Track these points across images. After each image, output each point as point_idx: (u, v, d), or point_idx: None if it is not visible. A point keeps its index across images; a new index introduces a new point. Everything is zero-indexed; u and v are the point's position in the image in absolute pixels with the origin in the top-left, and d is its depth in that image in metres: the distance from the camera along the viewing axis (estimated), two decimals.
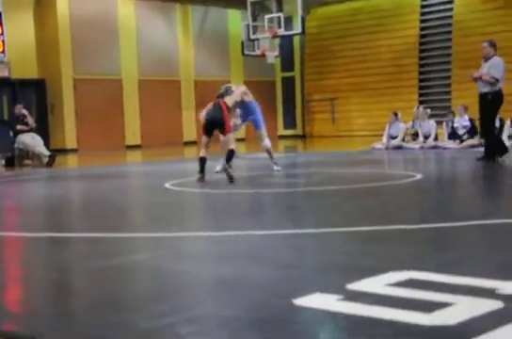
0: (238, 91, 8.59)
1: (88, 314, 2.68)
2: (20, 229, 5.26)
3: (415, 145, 13.57)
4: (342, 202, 5.94)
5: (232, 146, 8.02)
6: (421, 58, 20.63)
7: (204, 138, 8.09)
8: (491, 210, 5.20)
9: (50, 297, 3.03)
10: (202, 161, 7.90)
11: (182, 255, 3.75)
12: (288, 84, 23.69)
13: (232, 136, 8.26)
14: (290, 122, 23.87)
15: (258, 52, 19.44)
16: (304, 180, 7.98)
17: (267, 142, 9.06)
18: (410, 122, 14.18)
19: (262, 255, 3.65)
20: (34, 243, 4.51)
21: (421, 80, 20.64)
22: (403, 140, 13.91)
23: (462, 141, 13.13)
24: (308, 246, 3.92)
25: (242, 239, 4.20)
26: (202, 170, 7.83)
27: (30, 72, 18.44)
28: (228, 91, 8.41)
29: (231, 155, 7.95)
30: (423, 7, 20.88)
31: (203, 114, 8.06)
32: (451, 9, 20.11)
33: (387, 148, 13.70)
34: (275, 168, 9.02)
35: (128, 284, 3.14)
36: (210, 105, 8.15)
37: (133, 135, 20.08)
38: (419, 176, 7.71)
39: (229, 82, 22.41)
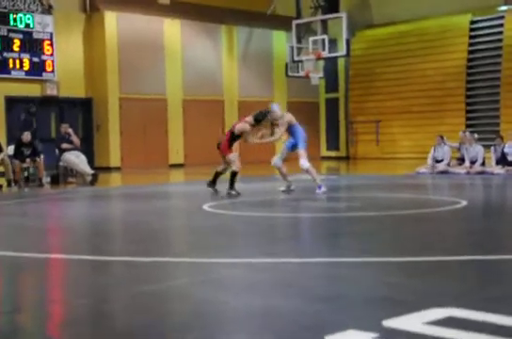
0: (281, 121, 8.79)
1: None
2: (59, 250, 5.27)
3: (461, 170, 13.27)
4: (382, 230, 5.79)
5: (234, 168, 9.01)
6: (468, 82, 20.32)
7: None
8: None
9: (83, 323, 2.99)
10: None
11: (216, 283, 3.68)
12: (332, 105, 23.60)
13: (232, 156, 9.19)
14: (333, 144, 23.73)
15: (302, 73, 19.43)
16: (345, 204, 7.86)
17: (303, 162, 8.98)
18: (457, 144, 13.89)
19: (297, 285, 3.56)
20: (72, 266, 4.50)
21: (468, 104, 20.31)
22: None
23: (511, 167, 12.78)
24: (345, 276, 3.81)
25: (278, 267, 4.11)
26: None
27: (78, 91, 18.80)
28: (265, 118, 8.99)
29: (232, 177, 8.96)
30: (471, 30, 20.62)
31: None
32: (501, 33, 19.80)
33: (432, 172, 13.45)
34: (317, 191, 8.91)
35: (159, 312, 3.07)
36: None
37: (176, 153, 20.23)
38: (464, 203, 7.50)
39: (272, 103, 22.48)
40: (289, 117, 9.15)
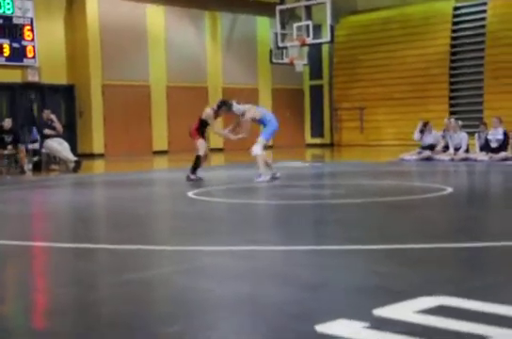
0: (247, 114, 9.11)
1: (100, 333, 2.56)
2: (42, 238, 5.19)
3: (445, 157, 13.30)
4: (368, 217, 5.76)
5: (199, 152, 9.39)
6: (452, 68, 20.34)
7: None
8: None
9: (66, 312, 2.92)
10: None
11: (201, 271, 3.62)
12: (316, 92, 23.54)
13: (199, 142, 9.60)
14: (318, 131, 23.69)
15: (286, 60, 19.32)
16: (330, 192, 7.82)
17: (255, 148, 9.03)
18: (441, 133, 13.91)
19: (284, 273, 3.51)
20: (55, 254, 4.43)
21: (451, 90, 20.34)
22: (467, 151, 13.40)
23: (495, 154, 12.82)
24: (332, 264, 3.76)
25: (264, 255, 4.06)
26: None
27: (60, 77, 18.56)
28: (222, 108, 9.33)
29: (195, 161, 9.36)
30: (454, 16, 20.62)
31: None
32: (483, 19, 19.81)
33: (419, 152, 13.46)
34: (256, 179, 8.96)
35: (143, 302, 3.01)
36: None
37: (160, 140, 20.09)
38: (449, 190, 7.49)
39: (256, 90, 22.39)
40: (251, 114, 9.19)
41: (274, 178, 9.15)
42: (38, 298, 3.20)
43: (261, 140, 9.12)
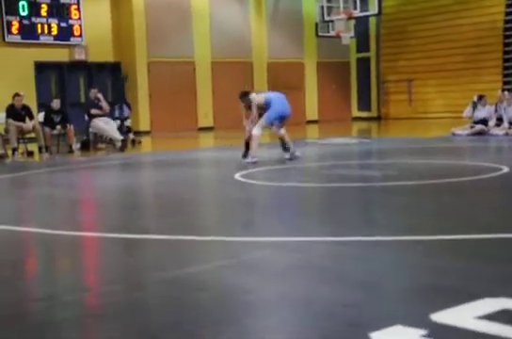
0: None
1: None
2: (89, 228, 5.18)
3: (499, 131, 12.86)
4: (421, 202, 5.56)
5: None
6: (506, 37, 19.59)
7: None
8: None
9: (113, 316, 2.86)
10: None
11: (250, 267, 3.52)
12: (363, 65, 23.06)
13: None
14: (365, 104, 23.27)
15: (332, 33, 18.94)
16: (379, 173, 7.61)
17: (255, 129, 9.07)
18: (493, 106, 13.46)
19: (335, 270, 3.38)
20: (101, 245, 4.40)
21: (505, 60, 19.63)
22: (486, 125, 13.13)
23: None
24: (384, 258, 3.61)
25: (314, 247, 3.93)
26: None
27: (106, 55, 18.61)
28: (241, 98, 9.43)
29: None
30: None
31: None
32: None
33: (472, 126, 13.08)
34: (245, 159, 9.00)
35: (189, 304, 2.91)
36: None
37: (205, 117, 20.04)
38: (506, 169, 7.21)
39: (302, 64, 22.06)
40: (258, 99, 9.23)
41: (293, 158, 8.99)
42: (85, 297, 3.15)
43: (260, 122, 9.13)
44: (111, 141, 13.22)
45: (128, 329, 2.63)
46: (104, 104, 13.52)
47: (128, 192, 7.06)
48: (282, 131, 9.22)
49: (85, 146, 13.38)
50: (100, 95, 13.66)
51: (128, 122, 14.59)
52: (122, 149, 12.77)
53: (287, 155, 9.21)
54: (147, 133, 18.71)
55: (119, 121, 14.04)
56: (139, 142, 14.52)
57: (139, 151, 13.74)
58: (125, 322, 2.71)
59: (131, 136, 14.28)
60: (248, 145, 9.27)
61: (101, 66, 18.58)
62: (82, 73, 18.54)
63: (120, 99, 14.93)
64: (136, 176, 8.86)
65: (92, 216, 5.85)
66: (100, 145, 13.64)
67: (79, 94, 18.56)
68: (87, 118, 13.56)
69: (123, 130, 13.91)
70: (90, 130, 13.46)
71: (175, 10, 19.13)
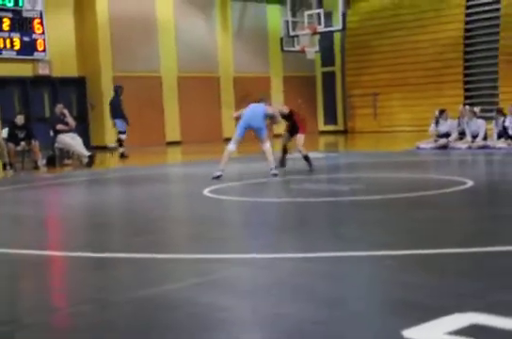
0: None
1: None
2: (56, 247, 5.11)
3: (462, 145, 13.09)
4: (387, 217, 5.62)
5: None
6: (466, 53, 20.02)
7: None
8: None
9: (77, 332, 2.83)
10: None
11: (221, 284, 3.51)
12: (328, 79, 23.31)
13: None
14: (331, 118, 23.49)
15: (298, 48, 19.13)
16: (348, 187, 7.69)
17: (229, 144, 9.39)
18: (456, 121, 13.70)
19: (305, 287, 3.39)
20: (69, 264, 4.35)
21: (466, 75, 20.04)
22: (485, 139, 13.16)
23: None
24: (355, 274, 3.65)
25: (284, 264, 3.94)
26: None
27: (70, 70, 18.49)
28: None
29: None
30: (468, 0, 20.23)
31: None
32: (498, 2, 19.44)
33: (436, 140, 13.29)
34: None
35: (158, 324, 2.88)
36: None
37: (173, 131, 20.00)
38: (470, 183, 7.33)
39: (268, 78, 22.19)
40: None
41: (273, 174, 8.96)
42: (53, 317, 3.11)
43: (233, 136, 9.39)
44: (78, 157, 13.11)
45: None
46: (70, 120, 13.42)
47: (95, 210, 6.99)
48: (265, 146, 9.18)
49: (51, 162, 13.22)
50: (65, 110, 13.55)
51: (123, 137, 15.04)
52: (89, 165, 12.66)
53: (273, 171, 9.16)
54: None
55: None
56: (127, 156, 14.90)
57: (106, 166, 13.63)
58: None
59: (121, 149, 14.89)
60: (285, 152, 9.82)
61: (65, 81, 18.43)
62: (46, 88, 18.38)
63: (117, 113, 15.06)
64: (103, 193, 8.79)
65: (59, 234, 5.77)
66: (66, 161, 13.51)
67: (44, 109, 18.37)
68: (52, 133, 13.42)
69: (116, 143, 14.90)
70: (56, 145, 13.32)
71: (140, 25, 19.11)
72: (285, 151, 10.03)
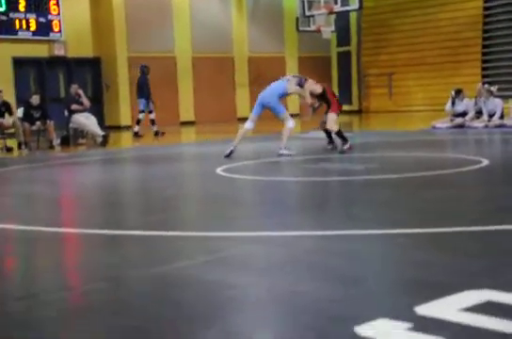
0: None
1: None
2: (70, 224, 5.13)
3: (479, 124, 12.94)
4: (403, 196, 5.58)
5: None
6: (484, 31, 19.71)
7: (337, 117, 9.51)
8: None
9: (95, 314, 2.83)
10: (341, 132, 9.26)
11: (233, 262, 3.50)
12: (344, 59, 23.09)
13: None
14: (346, 98, 23.29)
15: (313, 28, 18.92)
16: (363, 166, 7.63)
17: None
18: (473, 100, 13.54)
19: (320, 264, 3.37)
20: (83, 242, 4.36)
21: (484, 54, 19.75)
22: (502, 117, 13.00)
23: None
24: (369, 252, 3.62)
25: (299, 242, 3.93)
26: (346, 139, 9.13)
27: (85, 50, 18.47)
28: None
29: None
30: None
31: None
32: None
33: (452, 119, 13.14)
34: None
35: (172, 302, 2.87)
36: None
37: (187, 111, 19.97)
38: (485, 162, 7.25)
39: (283, 58, 22.03)
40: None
41: (279, 154, 8.91)
42: (66, 295, 3.12)
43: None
44: (92, 136, 13.14)
45: (112, 327, 2.60)
46: (85, 100, 13.43)
47: (109, 188, 7.00)
48: (285, 126, 9.05)
49: (65, 142, 13.27)
50: (80, 91, 13.56)
51: (153, 116, 15.27)
52: (103, 144, 12.68)
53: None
54: (128, 128, 18.60)
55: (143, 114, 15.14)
56: (163, 133, 15.15)
57: (120, 146, 13.65)
58: (109, 320, 2.68)
59: (154, 128, 15.16)
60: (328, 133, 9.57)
61: (80, 61, 18.43)
62: (61, 69, 18.39)
63: (142, 93, 15.29)
64: (117, 172, 8.80)
65: (73, 212, 5.79)
66: (81, 140, 13.54)
67: (59, 90, 18.41)
68: (67, 113, 13.45)
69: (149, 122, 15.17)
70: (71, 125, 13.36)
71: (155, 5, 19.01)
72: (326, 130, 9.58)
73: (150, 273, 3.33)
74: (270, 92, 9.08)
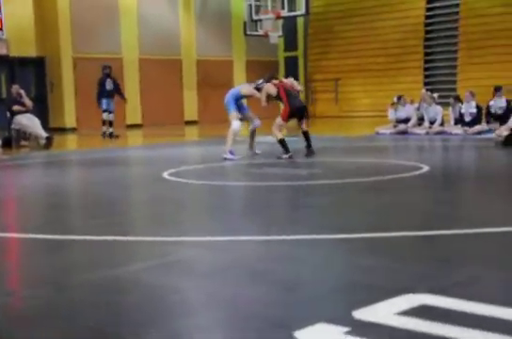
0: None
1: None
2: (12, 229, 5.05)
3: (421, 130, 13.28)
4: (345, 201, 5.69)
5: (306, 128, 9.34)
6: (426, 39, 20.24)
7: (284, 123, 9.38)
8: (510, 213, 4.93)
9: (37, 320, 2.81)
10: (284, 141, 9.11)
11: (177, 267, 3.52)
12: (291, 64, 23.32)
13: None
14: None
15: (261, 32, 19.06)
16: (305, 171, 7.74)
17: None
18: (416, 105, 13.90)
19: (261, 269, 3.43)
20: (24, 246, 4.31)
21: (426, 61, 20.28)
22: (442, 125, 13.28)
23: (469, 127, 12.83)
24: (311, 257, 3.69)
25: (241, 247, 3.97)
26: (288, 149, 8.99)
27: (29, 49, 18.10)
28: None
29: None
30: None
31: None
32: None
33: (395, 125, 13.45)
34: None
35: (114, 306, 2.89)
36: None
37: (133, 114, 19.81)
38: (426, 168, 7.46)
39: (231, 62, 22.10)
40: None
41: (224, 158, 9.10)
42: (6, 301, 3.08)
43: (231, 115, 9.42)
44: (35, 138, 12.90)
45: (51, 333, 2.59)
46: (27, 101, 13.19)
47: (52, 192, 6.91)
48: (231, 126, 9.26)
49: (7, 143, 12.98)
50: (22, 91, 13.30)
51: (111, 117, 15.02)
52: (47, 146, 12.47)
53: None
54: (73, 130, 18.34)
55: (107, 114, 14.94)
56: (117, 136, 14.91)
57: (65, 148, 13.45)
58: (49, 326, 2.67)
59: (110, 129, 14.85)
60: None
61: (23, 61, 18.06)
62: (3, 68, 17.98)
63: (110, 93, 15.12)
64: (60, 175, 8.68)
65: (14, 216, 5.70)
66: (23, 142, 13.28)
67: (0, 90, 17.98)
68: (8, 114, 13.17)
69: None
70: (13, 127, 13.09)
71: (102, 4, 18.79)
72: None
73: (93, 278, 3.33)
74: (230, 92, 9.45)
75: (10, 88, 13.96)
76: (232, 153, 9.12)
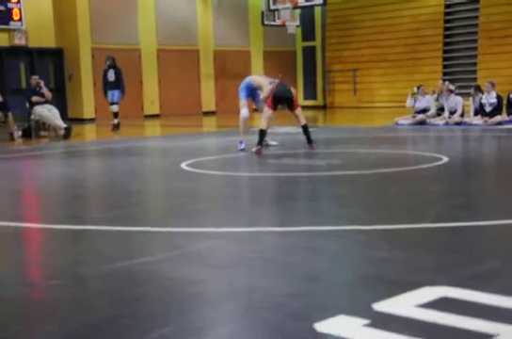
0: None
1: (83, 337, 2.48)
2: (30, 219, 5.09)
3: (440, 121, 13.17)
4: (364, 192, 5.66)
5: (304, 121, 8.96)
6: (446, 29, 20.02)
7: (272, 111, 8.88)
8: None
9: (54, 313, 2.83)
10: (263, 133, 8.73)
11: (195, 258, 3.52)
12: (309, 54, 23.20)
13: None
14: (310, 93, 23.43)
15: (278, 22, 18.96)
16: (326, 162, 7.71)
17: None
18: (435, 96, 13.78)
19: (280, 260, 3.42)
20: (43, 236, 4.34)
21: (445, 51, 20.07)
22: (462, 115, 13.19)
23: (489, 118, 12.69)
24: (330, 249, 3.67)
25: (259, 238, 3.96)
26: (261, 142, 8.64)
27: (48, 40, 18.17)
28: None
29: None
30: None
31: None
32: None
33: (413, 116, 13.36)
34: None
35: (129, 298, 2.87)
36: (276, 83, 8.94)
37: (151, 104, 19.85)
38: (446, 159, 7.39)
39: (248, 52, 22.04)
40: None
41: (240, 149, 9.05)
42: (25, 292, 3.10)
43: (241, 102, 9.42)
44: (54, 129, 12.98)
45: (69, 323, 2.60)
46: (46, 91, 13.26)
47: (70, 182, 6.95)
48: (240, 114, 9.30)
49: (27, 134, 13.08)
50: (41, 82, 13.37)
51: (115, 108, 14.62)
52: (66, 137, 12.54)
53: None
54: (91, 120, 18.42)
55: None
56: (117, 126, 14.57)
57: (83, 139, 13.52)
58: (66, 317, 2.68)
59: (115, 120, 14.47)
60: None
61: (42, 52, 18.14)
62: (22, 59, 18.07)
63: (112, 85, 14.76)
64: (79, 165, 8.73)
65: (35, 206, 5.74)
66: (42, 133, 13.37)
67: (20, 81, 18.09)
68: (28, 105, 13.26)
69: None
70: (32, 117, 13.17)
71: None
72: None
73: (111, 269, 3.33)
74: (244, 81, 9.42)
75: (30, 78, 14.04)
76: (241, 143, 9.07)
